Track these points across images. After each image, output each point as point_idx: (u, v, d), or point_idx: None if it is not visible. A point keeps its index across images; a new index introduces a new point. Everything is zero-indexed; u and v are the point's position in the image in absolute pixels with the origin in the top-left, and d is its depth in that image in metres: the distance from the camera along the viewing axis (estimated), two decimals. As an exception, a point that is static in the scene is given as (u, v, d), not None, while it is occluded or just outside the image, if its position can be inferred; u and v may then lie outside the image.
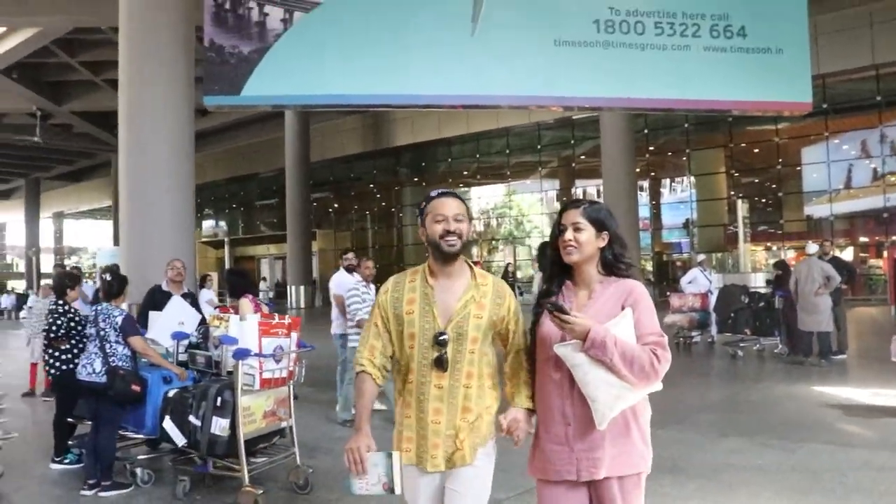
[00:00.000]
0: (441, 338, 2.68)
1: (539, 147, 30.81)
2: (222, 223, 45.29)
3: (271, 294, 31.85)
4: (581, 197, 3.70)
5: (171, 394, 5.00)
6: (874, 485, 5.16)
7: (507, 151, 31.84)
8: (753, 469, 5.61)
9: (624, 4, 11.16)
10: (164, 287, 7.18)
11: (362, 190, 37.65)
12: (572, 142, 29.61)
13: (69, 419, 5.96)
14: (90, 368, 5.27)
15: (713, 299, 12.66)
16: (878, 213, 24.65)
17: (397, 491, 2.58)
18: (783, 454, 5.97)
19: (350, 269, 8.48)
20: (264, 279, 28.02)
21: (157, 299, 6.78)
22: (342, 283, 8.30)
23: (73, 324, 6.00)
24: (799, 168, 26.21)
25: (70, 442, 6.11)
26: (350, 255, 9.03)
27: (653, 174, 28.96)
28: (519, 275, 29.23)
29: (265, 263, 41.29)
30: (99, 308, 5.49)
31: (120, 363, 5.20)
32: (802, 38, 11.56)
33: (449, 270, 2.76)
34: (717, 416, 7.58)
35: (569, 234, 2.65)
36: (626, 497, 2.57)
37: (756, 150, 26.93)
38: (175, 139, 12.07)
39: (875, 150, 24.49)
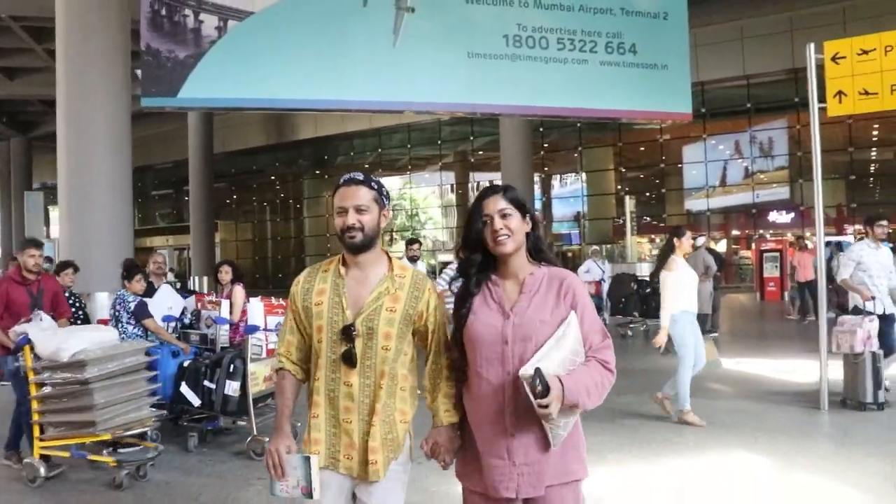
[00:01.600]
0: (350, 331, 2.54)
1: (439, 142, 31.99)
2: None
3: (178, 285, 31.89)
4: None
5: (185, 364, 5.90)
6: (732, 422, 6.88)
7: (409, 146, 32.89)
8: (644, 416, 7.09)
9: (530, 21, 12.40)
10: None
11: (264, 182, 37.94)
12: (471, 137, 30.91)
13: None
14: None
15: (606, 286, 14.18)
16: (748, 209, 27.13)
17: (315, 496, 2.52)
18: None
19: None
20: (172, 270, 28.01)
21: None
22: None
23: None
24: (680, 166, 28.41)
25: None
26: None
27: (546, 169, 30.62)
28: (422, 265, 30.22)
29: (163, 254, 40.92)
30: (117, 294, 6.37)
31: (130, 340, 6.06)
32: (684, 56, 13.10)
33: (362, 261, 2.62)
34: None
35: (498, 223, 2.46)
36: None
37: (642, 149, 28.91)
38: (113, 137, 12.54)
39: (746, 150, 26.92)
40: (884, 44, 6.38)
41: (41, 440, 5.41)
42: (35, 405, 5.38)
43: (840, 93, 6.43)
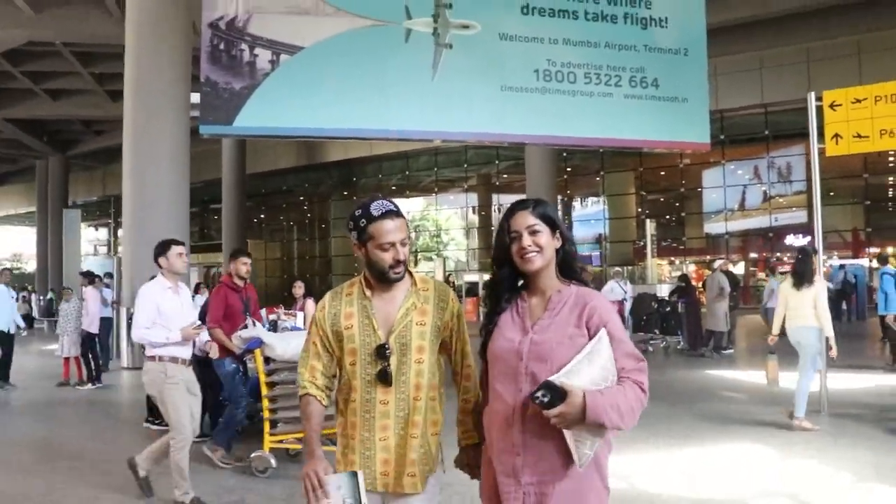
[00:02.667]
0: (384, 350, 2.55)
1: (465, 164, 32.95)
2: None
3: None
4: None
5: None
6: (743, 422, 7.78)
7: (435, 168, 33.86)
8: (667, 416, 7.90)
9: (559, 57, 13.27)
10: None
11: (293, 202, 39.02)
12: (496, 161, 31.85)
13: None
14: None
15: (628, 305, 14.99)
16: (765, 232, 27.83)
17: None
18: (686, 409, 8.47)
19: None
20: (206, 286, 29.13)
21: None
22: None
23: None
24: (699, 190, 29.20)
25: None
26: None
27: (569, 192, 31.49)
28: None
29: (194, 271, 42.02)
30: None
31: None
32: (703, 90, 13.92)
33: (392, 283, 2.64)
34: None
35: (526, 240, 2.40)
36: None
37: (662, 173, 29.75)
38: (174, 159, 13.58)
39: (764, 176, 27.68)
40: (873, 94, 7.23)
41: (272, 434, 6.07)
42: (267, 403, 6.04)
43: (837, 135, 7.29)
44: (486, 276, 21.79)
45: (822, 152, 7.75)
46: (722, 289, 13.11)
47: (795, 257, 7.92)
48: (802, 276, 7.51)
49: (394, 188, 35.51)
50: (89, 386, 11.64)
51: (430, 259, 35.75)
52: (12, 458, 7.26)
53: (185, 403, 5.28)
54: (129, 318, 12.69)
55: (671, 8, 13.81)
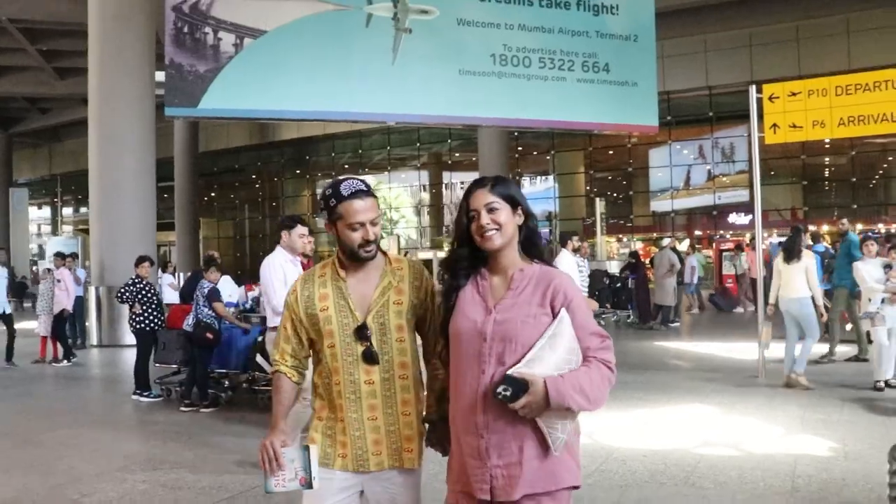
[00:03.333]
0: (364, 331, 2.52)
1: (418, 144, 33.33)
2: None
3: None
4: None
5: (258, 339, 7.21)
6: (690, 386, 8.56)
7: (388, 147, 34.18)
8: (622, 382, 8.45)
9: (515, 42, 13.76)
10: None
11: (246, 181, 38.97)
12: (449, 140, 32.30)
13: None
14: (186, 322, 7.47)
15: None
16: (709, 210, 28.88)
17: (315, 485, 2.50)
18: (638, 376, 9.15)
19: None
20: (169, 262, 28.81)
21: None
22: None
23: (144, 293, 8.19)
24: (646, 169, 30.11)
25: (156, 381, 8.50)
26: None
27: (520, 171, 32.10)
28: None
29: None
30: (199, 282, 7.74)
31: (205, 319, 7.36)
32: (652, 75, 14.58)
33: (366, 262, 2.60)
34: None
35: (485, 218, 2.34)
36: None
37: (611, 152, 30.54)
38: (139, 140, 13.77)
39: (708, 156, 28.67)
40: (807, 88, 7.89)
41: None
42: None
43: (775, 125, 7.94)
44: (440, 254, 22.15)
45: (761, 140, 8.40)
46: (672, 265, 13.87)
47: (788, 235, 8.66)
48: (791, 251, 8.22)
49: (346, 166, 35.66)
50: (64, 363, 11.88)
51: (382, 237, 36.11)
52: (16, 428, 7.60)
53: None
54: (98, 298, 12.95)
55: (621, -6, 14.42)
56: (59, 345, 12.02)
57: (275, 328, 5.19)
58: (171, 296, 12.93)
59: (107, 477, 5.65)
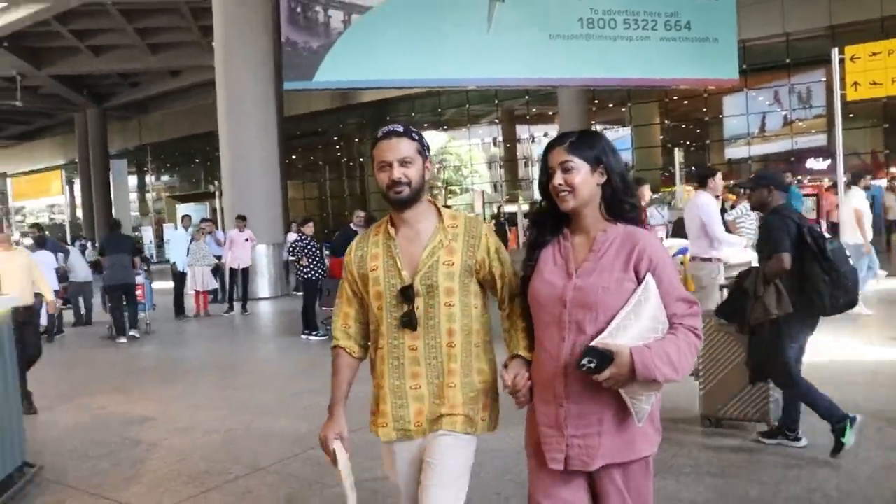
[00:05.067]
0: (409, 292, 2.39)
1: (496, 101, 34.14)
2: (186, 179, 47.62)
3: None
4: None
5: None
6: None
7: (467, 105, 35.07)
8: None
9: (600, 5, 14.61)
10: (353, 227, 10.62)
11: (327, 143, 40.42)
12: (526, 96, 33.01)
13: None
14: None
15: (669, 229, 16.57)
16: (787, 156, 29.10)
17: (349, 502, 2.45)
18: None
19: None
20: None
21: (349, 235, 10.16)
22: None
23: (309, 248, 9.67)
24: (721, 118, 30.41)
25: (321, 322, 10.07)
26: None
27: (595, 123, 32.70)
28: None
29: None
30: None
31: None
32: (732, 30, 15.28)
33: (410, 218, 2.46)
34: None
35: (558, 178, 2.27)
36: (632, 486, 2.26)
37: (686, 102, 30.90)
38: (263, 114, 15.23)
39: (785, 101, 28.83)
40: (887, 48, 8.66)
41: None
42: None
43: (856, 83, 8.74)
44: (524, 207, 23.12)
45: (843, 96, 9.21)
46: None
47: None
48: None
49: (425, 125, 36.71)
50: (233, 313, 13.82)
51: (465, 191, 37.26)
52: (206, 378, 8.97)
53: None
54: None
55: (701, -46, 15.07)
56: (203, 298, 13.70)
57: (708, 259, 6.72)
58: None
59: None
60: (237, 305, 13.97)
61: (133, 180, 51.11)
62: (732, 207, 9.31)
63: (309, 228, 10.47)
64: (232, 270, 13.68)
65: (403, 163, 2.39)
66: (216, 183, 32.98)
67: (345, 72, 13.92)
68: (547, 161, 2.33)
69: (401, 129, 2.45)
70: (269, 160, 15.52)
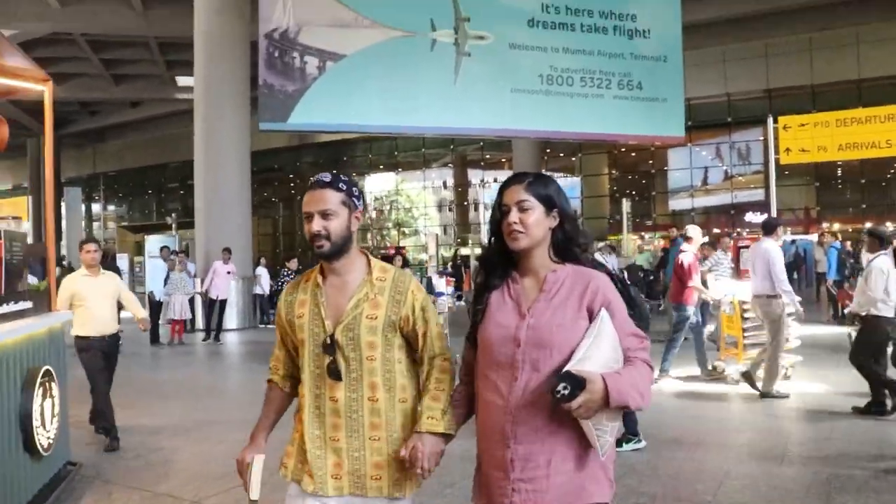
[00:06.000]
0: (330, 343, 2.35)
1: (451, 147, 35.23)
2: (138, 210, 47.57)
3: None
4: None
5: None
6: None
7: (423, 147, 36.10)
8: (658, 352, 10.34)
9: (560, 63, 15.63)
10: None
11: (284, 180, 40.98)
12: (481, 143, 34.19)
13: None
14: None
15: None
16: (727, 209, 30.70)
17: (251, 496, 2.44)
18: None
19: None
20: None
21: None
22: None
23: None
24: (666, 170, 31.98)
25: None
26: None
27: (548, 172, 34.00)
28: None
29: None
30: None
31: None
32: (679, 91, 16.44)
33: (339, 268, 2.42)
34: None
35: (513, 216, 2.22)
36: None
37: (633, 154, 32.41)
38: (238, 152, 15.87)
39: (726, 158, 30.52)
40: (813, 121, 9.82)
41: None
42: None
43: (788, 149, 9.85)
44: (477, 251, 24.12)
45: (777, 160, 10.35)
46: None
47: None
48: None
49: (381, 167, 37.64)
50: (210, 341, 14.23)
51: (415, 233, 38.09)
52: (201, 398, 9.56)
53: None
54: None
55: (652, 21, 16.29)
56: (180, 326, 14.17)
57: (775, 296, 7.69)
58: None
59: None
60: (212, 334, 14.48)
61: (82, 208, 50.83)
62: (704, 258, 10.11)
63: (293, 264, 11.06)
64: (210, 300, 14.18)
65: (325, 215, 2.35)
66: (173, 215, 33.19)
67: (318, 115, 14.60)
68: (502, 198, 2.29)
69: (328, 178, 2.41)
70: (242, 194, 16.13)
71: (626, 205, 27.77)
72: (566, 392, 1.99)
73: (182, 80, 30.84)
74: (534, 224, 2.22)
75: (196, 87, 16.14)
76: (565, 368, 2.06)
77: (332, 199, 2.36)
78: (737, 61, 26.66)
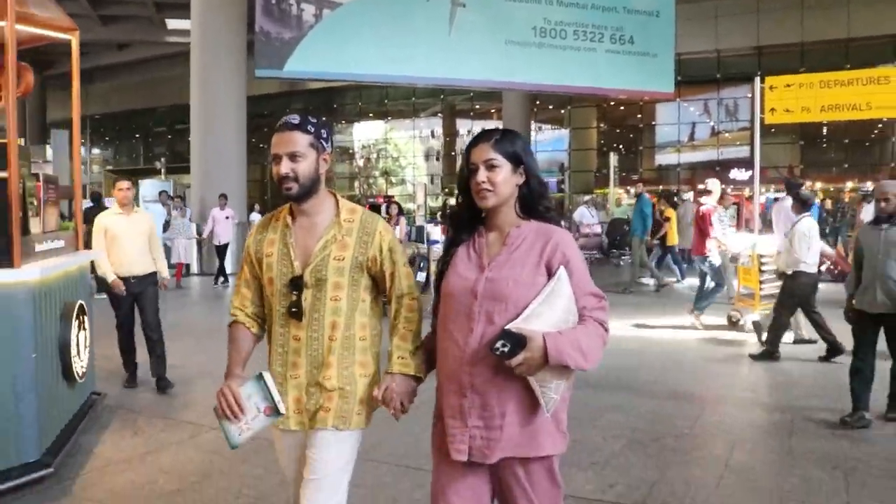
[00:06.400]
0: (298, 283, 2.41)
1: (441, 96, 35.25)
2: (125, 154, 47.37)
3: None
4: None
5: None
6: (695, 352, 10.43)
7: (413, 97, 36.08)
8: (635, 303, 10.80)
9: (553, 16, 15.76)
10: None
11: (273, 127, 40.81)
12: (471, 93, 34.22)
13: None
14: None
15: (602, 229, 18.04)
16: (713, 165, 31.07)
17: (282, 409, 2.40)
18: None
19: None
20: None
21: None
22: None
23: None
24: (654, 125, 32.25)
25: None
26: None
27: (538, 124, 34.16)
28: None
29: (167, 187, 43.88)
30: None
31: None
32: (670, 47, 16.65)
33: (308, 209, 2.47)
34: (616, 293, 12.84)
35: (481, 175, 2.27)
36: (533, 484, 2.25)
37: (622, 108, 32.60)
38: (234, 97, 16.09)
39: (714, 114, 30.79)
40: (798, 82, 10.12)
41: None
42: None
43: (773, 108, 10.17)
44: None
45: (762, 120, 10.65)
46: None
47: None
48: None
49: (370, 115, 37.62)
50: (218, 286, 14.67)
51: (402, 182, 38.27)
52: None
53: None
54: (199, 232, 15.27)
55: (647, -25, 16.44)
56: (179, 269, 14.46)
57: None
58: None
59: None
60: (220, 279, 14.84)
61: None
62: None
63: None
64: (217, 247, 14.44)
65: (293, 157, 2.37)
66: (162, 160, 33.13)
67: (314, 63, 14.73)
68: (469, 157, 2.33)
69: (296, 120, 2.43)
70: (239, 140, 16.32)
71: (613, 159, 28.04)
72: (505, 350, 2.06)
73: (172, 23, 30.66)
74: (501, 182, 2.27)
75: (192, 31, 16.23)
76: (507, 326, 2.12)
77: (301, 140, 2.39)
78: (728, 17, 26.73)
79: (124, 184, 6.60)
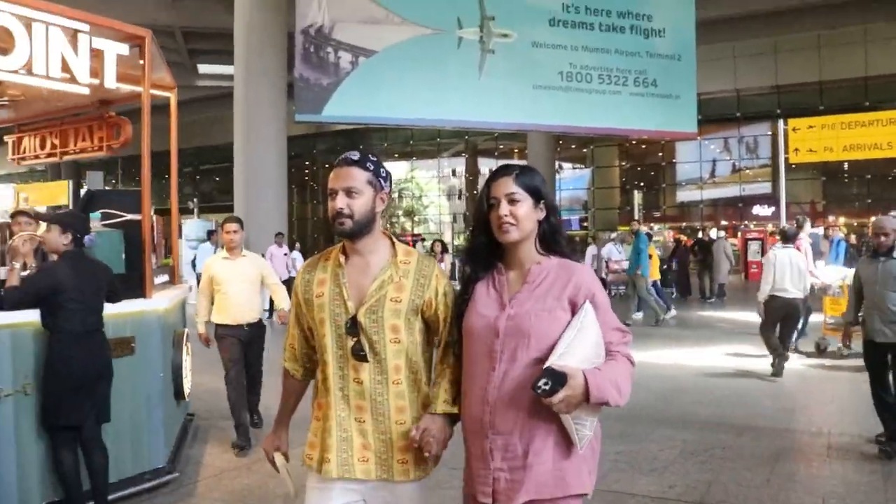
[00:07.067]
0: (355, 324, 2.30)
1: (466, 136, 35.96)
2: (155, 194, 48.41)
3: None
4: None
5: None
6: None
7: (438, 137, 36.82)
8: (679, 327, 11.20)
9: (579, 61, 16.43)
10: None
11: (299, 167, 41.70)
12: (495, 133, 34.94)
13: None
14: None
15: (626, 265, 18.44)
16: (735, 201, 31.49)
17: (291, 493, 2.49)
18: (680, 336, 11.60)
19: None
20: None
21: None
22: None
23: None
24: (675, 162, 32.73)
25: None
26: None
27: (560, 163, 34.75)
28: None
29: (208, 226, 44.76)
30: None
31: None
32: (692, 88, 17.25)
33: (362, 248, 2.37)
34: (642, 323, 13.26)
35: (504, 209, 2.21)
36: None
37: (643, 147, 33.15)
38: (274, 137, 16.81)
39: (734, 151, 31.28)
40: (820, 123, 10.64)
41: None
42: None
43: (796, 149, 10.69)
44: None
45: (785, 159, 11.19)
46: (727, 253, 16.82)
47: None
48: None
49: (396, 155, 38.36)
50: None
51: (425, 221, 38.86)
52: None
53: None
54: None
55: (668, 21, 17.07)
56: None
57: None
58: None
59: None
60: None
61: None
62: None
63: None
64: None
65: (349, 192, 2.30)
66: (195, 200, 34.00)
67: (350, 107, 15.42)
68: (490, 191, 2.28)
69: (355, 156, 2.36)
70: (279, 178, 17.03)
71: (637, 196, 28.56)
72: (547, 388, 2.00)
73: (203, 68, 31.62)
74: (524, 217, 2.22)
75: (236, 73, 17.02)
76: (547, 363, 2.06)
77: (359, 177, 2.31)
78: (747, 57, 27.30)
79: (232, 226, 6.03)
